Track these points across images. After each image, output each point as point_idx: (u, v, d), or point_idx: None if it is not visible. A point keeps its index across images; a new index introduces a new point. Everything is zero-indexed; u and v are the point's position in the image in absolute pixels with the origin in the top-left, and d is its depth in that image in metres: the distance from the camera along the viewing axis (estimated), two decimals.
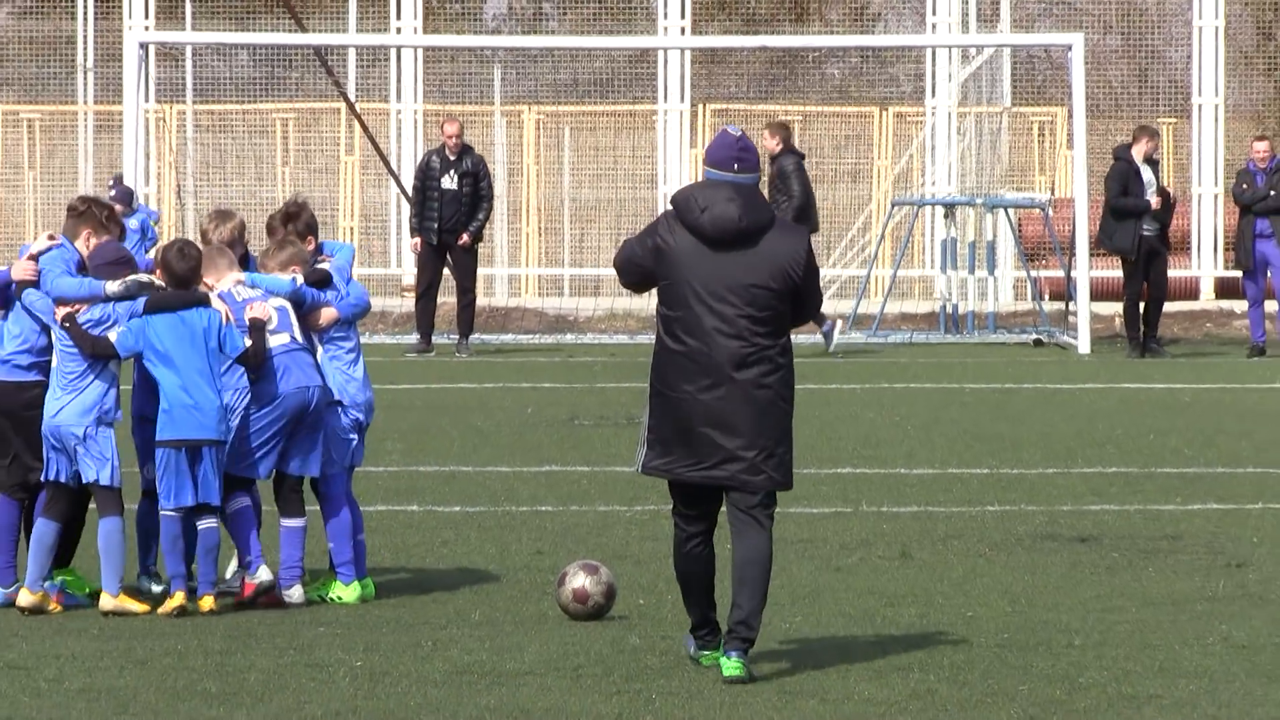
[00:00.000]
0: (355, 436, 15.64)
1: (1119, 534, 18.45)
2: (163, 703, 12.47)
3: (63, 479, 14.79)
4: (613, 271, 13.11)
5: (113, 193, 39.32)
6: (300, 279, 15.33)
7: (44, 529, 14.78)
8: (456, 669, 13.40)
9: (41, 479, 14.85)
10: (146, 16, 46.29)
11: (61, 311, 14.84)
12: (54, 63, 53.04)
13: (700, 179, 12.51)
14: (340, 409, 15.45)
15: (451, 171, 36.45)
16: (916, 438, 25.72)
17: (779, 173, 36.36)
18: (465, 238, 35.82)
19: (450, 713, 12.26)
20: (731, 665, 12.32)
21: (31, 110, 51.01)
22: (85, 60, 50.75)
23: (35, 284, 14.87)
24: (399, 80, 47.25)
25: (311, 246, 15.82)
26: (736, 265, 12.16)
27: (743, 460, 12.34)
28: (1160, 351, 36.75)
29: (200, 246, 15.38)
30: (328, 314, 15.44)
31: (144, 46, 41.81)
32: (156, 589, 15.18)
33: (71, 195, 48.49)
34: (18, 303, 14.95)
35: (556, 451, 23.66)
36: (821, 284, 12.77)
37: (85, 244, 15.00)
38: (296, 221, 15.94)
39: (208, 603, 14.83)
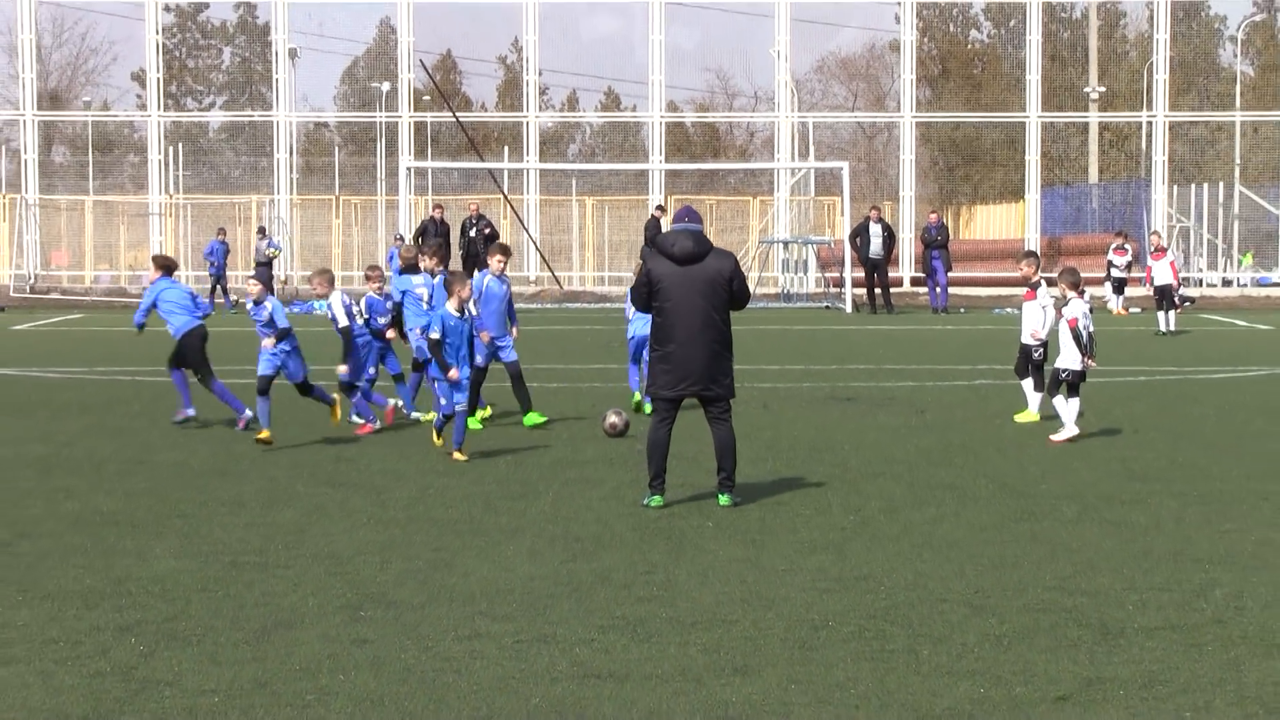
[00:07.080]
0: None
1: (866, 397, 18.34)
2: (407, 489, 12.36)
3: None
4: (626, 274, 12.69)
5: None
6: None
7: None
8: (554, 461, 13.33)
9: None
10: (410, 153, 46.01)
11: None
12: (364, 176, 53.00)
13: (669, 229, 11.57)
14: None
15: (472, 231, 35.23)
16: (770, 352, 25.55)
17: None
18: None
19: (550, 480, 12.21)
20: (724, 499, 11.17)
21: (356, 198, 50.88)
22: (380, 174, 50.59)
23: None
24: (527, 183, 46.95)
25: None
26: (697, 274, 11.13)
27: (705, 381, 11.10)
28: (891, 310, 36.55)
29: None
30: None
31: (409, 169, 41.64)
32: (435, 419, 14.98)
33: (370, 241, 48.67)
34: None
35: (601, 359, 23.53)
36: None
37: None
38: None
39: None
